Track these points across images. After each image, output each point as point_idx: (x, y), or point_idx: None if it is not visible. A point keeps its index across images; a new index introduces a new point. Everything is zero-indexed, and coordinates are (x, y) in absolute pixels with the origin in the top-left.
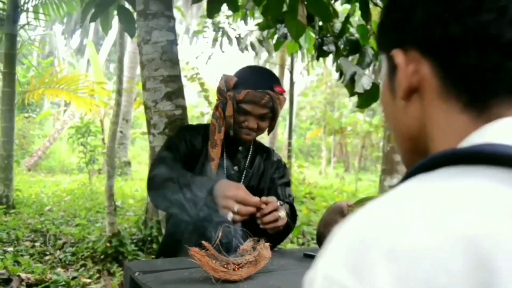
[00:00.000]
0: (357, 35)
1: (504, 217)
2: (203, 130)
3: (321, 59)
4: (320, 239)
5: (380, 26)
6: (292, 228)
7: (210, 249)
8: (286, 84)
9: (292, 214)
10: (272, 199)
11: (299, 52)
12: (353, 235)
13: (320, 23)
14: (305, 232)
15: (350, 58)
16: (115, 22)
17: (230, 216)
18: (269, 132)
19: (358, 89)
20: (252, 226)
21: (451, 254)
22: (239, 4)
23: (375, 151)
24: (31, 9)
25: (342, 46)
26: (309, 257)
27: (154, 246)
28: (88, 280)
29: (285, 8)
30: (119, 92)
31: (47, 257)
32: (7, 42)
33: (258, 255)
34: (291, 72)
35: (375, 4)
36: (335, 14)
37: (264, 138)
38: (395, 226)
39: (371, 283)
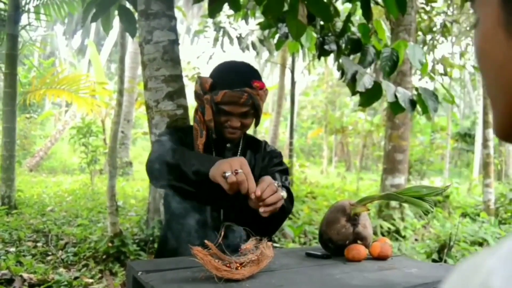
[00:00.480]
0: (358, 34)
1: None
2: (191, 130)
3: (322, 58)
4: (323, 238)
5: None
6: (289, 211)
7: (212, 248)
8: (287, 84)
9: (290, 199)
10: (268, 180)
11: (300, 52)
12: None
13: (321, 22)
14: (306, 232)
15: (351, 57)
16: (116, 22)
17: (228, 173)
18: (256, 126)
19: (360, 88)
20: (247, 214)
21: None
22: (240, 3)
23: (376, 150)
24: (32, 9)
25: (343, 45)
26: (311, 256)
27: (156, 246)
28: (90, 280)
29: (286, 8)
30: (120, 92)
31: (49, 257)
32: (9, 43)
33: (260, 254)
34: (292, 72)
35: (376, 3)
36: (336, 13)
37: (265, 138)
38: None
39: None
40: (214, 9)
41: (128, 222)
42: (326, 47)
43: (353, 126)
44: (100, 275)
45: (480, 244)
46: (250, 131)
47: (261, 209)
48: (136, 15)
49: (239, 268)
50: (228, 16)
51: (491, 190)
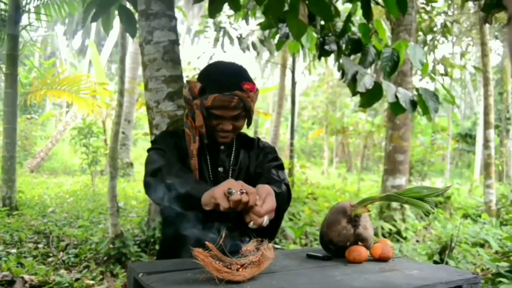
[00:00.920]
0: (359, 34)
1: None
2: (183, 133)
3: (323, 58)
4: (324, 239)
5: None
6: (286, 208)
7: (213, 249)
8: (288, 84)
9: (288, 195)
10: (266, 188)
11: (301, 52)
12: None
13: (322, 22)
14: (308, 233)
15: (352, 57)
16: (117, 22)
17: (234, 190)
18: (248, 126)
19: (360, 88)
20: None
21: None
22: (240, 3)
23: (377, 151)
24: (32, 9)
25: (344, 45)
26: (312, 258)
27: (157, 247)
28: (91, 282)
29: (286, 8)
30: (121, 93)
31: (50, 259)
32: (9, 43)
33: (261, 256)
34: (293, 72)
35: (377, 3)
36: (337, 13)
37: (266, 139)
38: None
39: None
40: (214, 9)
41: (129, 224)
42: (326, 47)
43: (354, 127)
44: (101, 276)
45: (482, 246)
46: (251, 133)
47: (251, 223)
48: (136, 15)
49: (240, 269)
50: (229, 16)
51: (492, 191)
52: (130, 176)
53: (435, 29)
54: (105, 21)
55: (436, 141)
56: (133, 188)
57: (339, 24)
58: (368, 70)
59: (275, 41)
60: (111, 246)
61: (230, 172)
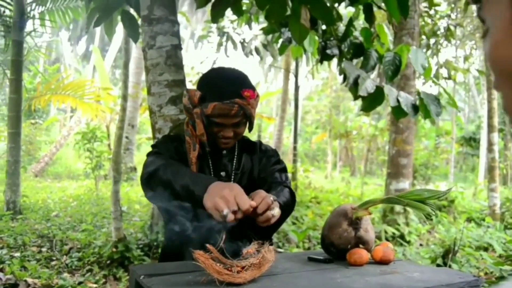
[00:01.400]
0: (361, 38)
1: None
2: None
3: (326, 62)
4: (325, 242)
5: None
6: (291, 211)
7: (214, 252)
8: (291, 88)
9: (292, 197)
10: (262, 195)
11: (304, 56)
12: None
13: (324, 27)
14: (311, 237)
15: (354, 61)
16: (121, 27)
17: (226, 211)
18: (249, 131)
19: (362, 92)
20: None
21: None
22: (243, 8)
23: (380, 154)
24: (37, 16)
25: (345, 50)
26: (313, 261)
27: (160, 251)
28: (94, 285)
29: (288, 12)
30: (124, 98)
31: (53, 262)
32: (14, 49)
33: (262, 258)
34: (296, 76)
35: (379, 7)
36: (339, 17)
37: (269, 143)
38: None
39: None
40: (216, 14)
41: (132, 227)
42: (328, 51)
43: (358, 131)
44: (104, 280)
45: (485, 249)
46: (254, 137)
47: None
48: (139, 20)
49: (240, 272)
50: (232, 21)
51: (496, 195)
52: (134, 181)
53: (438, 32)
54: (108, 26)
55: (440, 145)
56: (136, 192)
57: (341, 28)
58: (372, 75)
59: (278, 45)
60: (114, 250)
61: (233, 176)
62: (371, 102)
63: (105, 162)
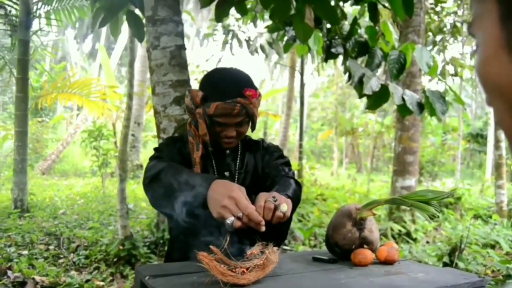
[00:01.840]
0: (365, 37)
1: None
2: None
3: (331, 60)
4: (329, 242)
5: None
6: (299, 200)
7: (218, 253)
8: (296, 86)
9: (298, 187)
10: (261, 204)
11: (309, 54)
12: None
13: (328, 25)
14: (317, 234)
15: (359, 60)
16: (125, 26)
17: (231, 220)
18: (252, 130)
19: (367, 91)
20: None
21: None
22: (248, 7)
23: (387, 151)
24: (43, 15)
25: (350, 48)
26: (318, 261)
27: (167, 248)
28: (101, 283)
29: (292, 11)
30: (130, 96)
31: (61, 260)
32: (20, 48)
33: (266, 259)
34: (302, 74)
35: (384, 6)
36: (343, 16)
37: (275, 140)
38: None
39: None
40: (221, 13)
41: (138, 225)
42: (333, 50)
43: (364, 128)
44: (111, 278)
45: (492, 247)
46: (260, 134)
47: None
48: (144, 20)
49: (244, 273)
50: (237, 19)
51: (503, 192)
52: (140, 178)
53: (444, 29)
54: (113, 26)
55: (447, 142)
56: (142, 190)
57: (346, 26)
58: (377, 72)
59: (283, 43)
60: (121, 247)
61: (236, 176)
62: (376, 100)
63: (112, 160)
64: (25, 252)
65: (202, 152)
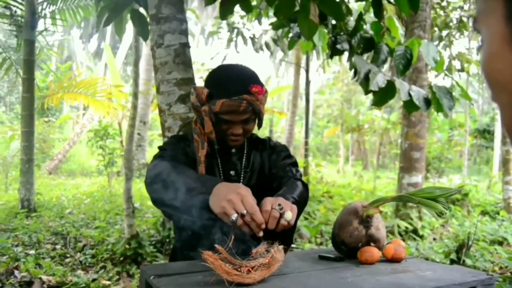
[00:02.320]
0: (371, 32)
1: None
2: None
3: (337, 56)
4: (335, 240)
5: None
6: (306, 203)
7: (223, 252)
8: (302, 83)
9: (305, 189)
10: (268, 209)
11: (314, 50)
12: None
13: (333, 22)
14: (323, 232)
15: (365, 56)
16: (130, 25)
17: (235, 216)
18: (258, 128)
19: (373, 87)
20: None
21: None
22: (253, 4)
23: (393, 148)
24: (48, 15)
25: (356, 44)
26: (324, 259)
27: (171, 251)
28: (108, 282)
29: (297, 8)
30: (135, 95)
31: (67, 260)
32: (26, 48)
33: (271, 258)
34: (307, 71)
35: (388, 2)
36: (349, 12)
37: (281, 138)
38: None
39: None
40: (225, 11)
41: (144, 224)
42: (338, 46)
43: (370, 124)
44: (117, 277)
45: (500, 243)
46: (266, 132)
47: (260, 233)
48: (148, 18)
49: (250, 272)
50: (242, 17)
51: (511, 188)
52: None
53: (451, 24)
54: (118, 25)
55: (454, 138)
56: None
57: (351, 22)
58: (384, 68)
59: (288, 40)
60: (127, 246)
61: (242, 175)
62: (382, 96)
63: (118, 159)
64: (32, 251)
65: (207, 150)
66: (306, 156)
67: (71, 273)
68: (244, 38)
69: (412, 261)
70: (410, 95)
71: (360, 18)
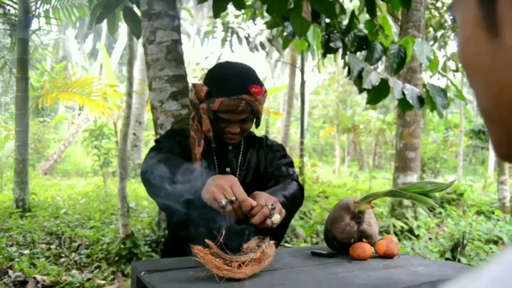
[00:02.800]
0: (365, 31)
1: None
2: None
3: (332, 57)
4: (328, 236)
5: None
6: (300, 204)
7: (213, 247)
8: (297, 83)
9: (300, 190)
10: (262, 202)
11: (309, 51)
12: None
13: (327, 20)
14: (318, 231)
15: (359, 54)
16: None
17: (224, 202)
18: (256, 127)
19: (366, 85)
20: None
21: None
22: (244, 2)
23: (389, 148)
24: (42, 14)
25: (349, 42)
26: (317, 255)
27: (163, 241)
28: (103, 282)
29: (290, 6)
30: (129, 94)
31: (62, 259)
32: (20, 47)
33: (262, 253)
34: (302, 71)
35: None
36: (342, 10)
37: (277, 138)
38: None
39: None
40: (218, 9)
41: (140, 224)
42: (331, 44)
43: (365, 125)
44: (112, 276)
45: (495, 242)
46: (262, 132)
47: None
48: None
49: (240, 266)
50: (236, 16)
51: (506, 187)
52: None
53: (445, 25)
54: (110, 23)
55: (449, 138)
56: (144, 188)
57: (345, 21)
58: (379, 67)
59: (282, 39)
60: (122, 246)
61: (238, 172)
62: (376, 94)
63: (113, 159)
64: (27, 251)
65: (204, 148)
66: (301, 156)
67: (65, 273)
68: (239, 37)
69: (404, 257)
70: (403, 93)
71: (353, 16)
